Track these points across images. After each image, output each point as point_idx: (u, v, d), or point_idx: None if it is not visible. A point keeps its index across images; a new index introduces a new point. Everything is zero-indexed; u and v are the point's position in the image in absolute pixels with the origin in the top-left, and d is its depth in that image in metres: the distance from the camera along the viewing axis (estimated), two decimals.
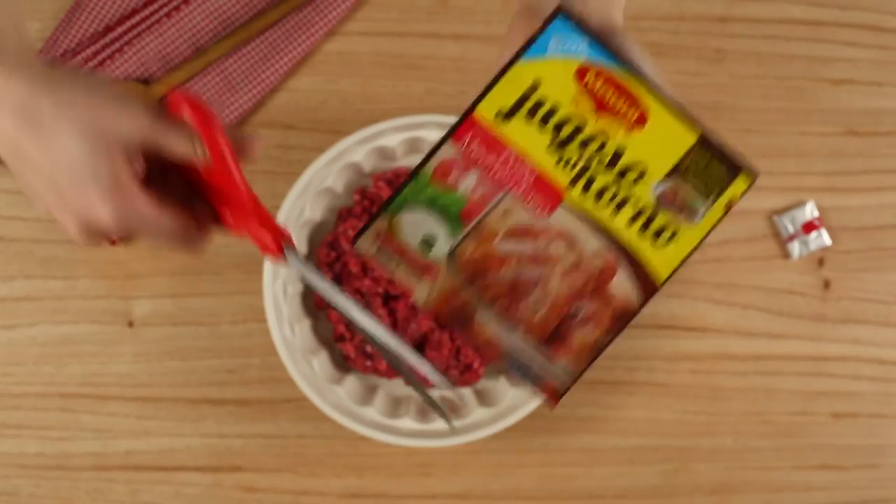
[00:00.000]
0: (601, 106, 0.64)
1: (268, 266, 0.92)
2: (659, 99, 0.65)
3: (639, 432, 0.99)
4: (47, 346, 0.98)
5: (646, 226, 0.64)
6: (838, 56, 1.01)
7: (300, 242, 0.94)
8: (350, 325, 0.93)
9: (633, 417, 0.99)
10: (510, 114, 0.65)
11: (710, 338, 0.99)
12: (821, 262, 1.00)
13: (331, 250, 0.94)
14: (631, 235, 0.64)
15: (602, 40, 0.66)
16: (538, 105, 0.65)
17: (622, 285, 0.62)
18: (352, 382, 0.94)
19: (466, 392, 0.95)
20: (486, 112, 0.65)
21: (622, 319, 0.63)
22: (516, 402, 0.93)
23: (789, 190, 1.00)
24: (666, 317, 0.99)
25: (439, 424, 0.93)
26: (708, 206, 0.65)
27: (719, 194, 0.65)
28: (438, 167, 0.64)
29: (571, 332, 0.63)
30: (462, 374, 0.94)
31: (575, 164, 0.64)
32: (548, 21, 0.65)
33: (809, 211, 0.99)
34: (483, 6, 1.00)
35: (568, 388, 0.62)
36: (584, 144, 0.64)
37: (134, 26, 0.97)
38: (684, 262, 0.64)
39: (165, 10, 0.97)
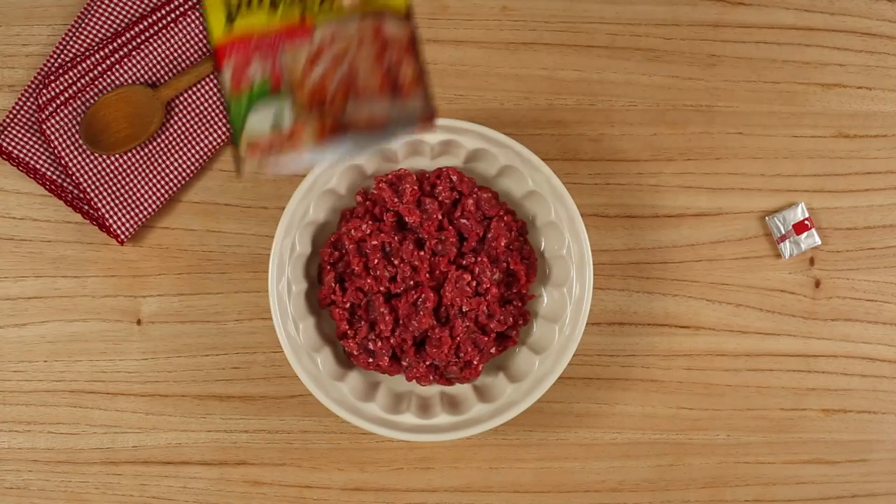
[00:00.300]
0: None
1: (272, 266, 0.93)
2: None
3: (634, 427, 1.00)
4: (57, 344, 0.99)
5: None
6: (829, 61, 1.01)
7: (304, 242, 0.95)
8: (352, 322, 0.94)
9: (628, 413, 1.00)
10: (230, 19, 0.76)
11: (704, 335, 1.00)
12: (811, 261, 1.01)
13: (334, 250, 0.95)
14: (364, 4, 0.76)
15: None
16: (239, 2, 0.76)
17: (392, 27, 0.76)
18: (354, 379, 0.95)
19: (466, 388, 0.96)
20: (218, 32, 0.76)
21: (411, 44, 0.75)
22: (515, 398, 0.94)
23: (781, 191, 1.01)
24: (661, 315, 1.00)
25: (440, 420, 0.94)
26: None
27: None
28: (232, 83, 0.76)
29: (399, 75, 0.75)
30: (462, 370, 0.95)
31: (292, 3, 0.76)
32: None
33: (801, 212, 1.00)
34: (482, 12, 1.01)
35: (434, 106, 0.75)
36: None
37: (142, 31, 0.98)
38: None
39: (173, 15, 0.98)
